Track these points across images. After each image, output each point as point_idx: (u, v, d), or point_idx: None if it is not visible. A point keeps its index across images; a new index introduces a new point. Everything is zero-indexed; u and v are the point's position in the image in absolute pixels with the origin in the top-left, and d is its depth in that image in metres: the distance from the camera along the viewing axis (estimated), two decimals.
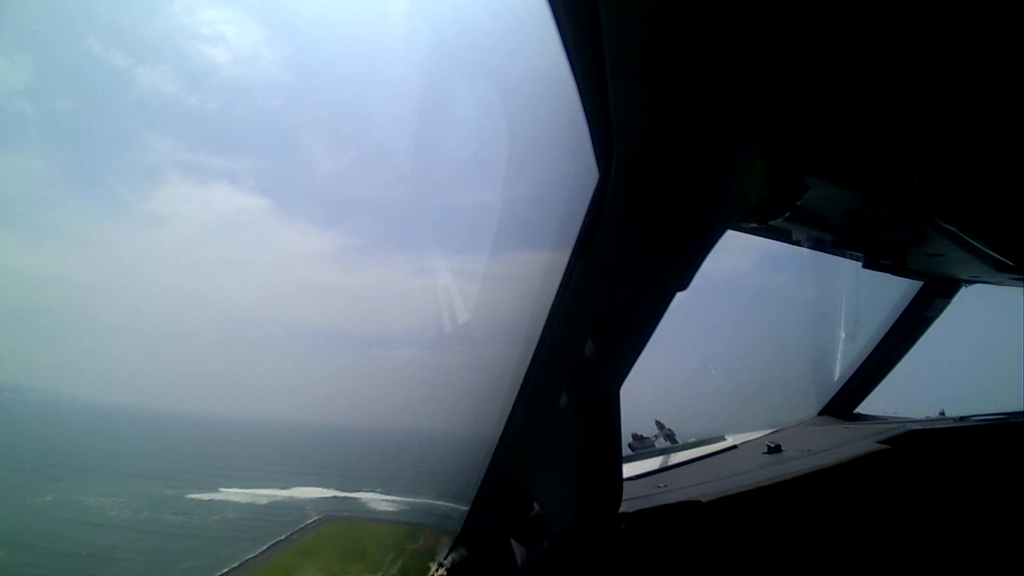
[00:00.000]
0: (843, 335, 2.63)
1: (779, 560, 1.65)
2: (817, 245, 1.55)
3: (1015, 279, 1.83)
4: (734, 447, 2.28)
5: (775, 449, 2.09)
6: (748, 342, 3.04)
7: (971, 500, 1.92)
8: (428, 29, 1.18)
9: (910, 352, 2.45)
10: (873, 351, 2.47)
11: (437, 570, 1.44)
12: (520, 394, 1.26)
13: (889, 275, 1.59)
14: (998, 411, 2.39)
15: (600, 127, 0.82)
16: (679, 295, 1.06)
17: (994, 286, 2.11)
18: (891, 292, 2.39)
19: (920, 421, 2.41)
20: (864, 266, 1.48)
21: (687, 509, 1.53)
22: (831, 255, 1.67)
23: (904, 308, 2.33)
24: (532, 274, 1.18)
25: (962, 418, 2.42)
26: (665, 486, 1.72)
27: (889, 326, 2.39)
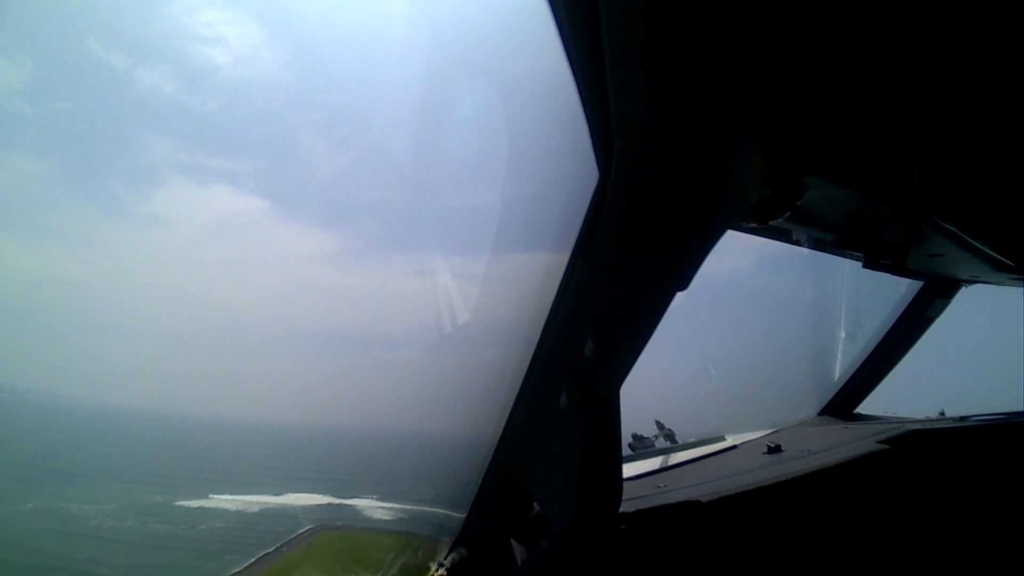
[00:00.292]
0: (843, 335, 2.63)
1: (779, 560, 1.65)
2: (817, 245, 1.55)
3: (1015, 279, 1.83)
4: (734, 447, 2.28)
5: (775, 449, 2.09)
6: (748, 342, 3.04)
7: (971, 500, 1.92)
8: (428, 29, 1.18)
9: (910, 352, 2.45)
10: (873, 351, 2.47)
11: (437, 570, 1.44)
12: (520, 394, 1.26)
13: (889, 275, 1.59)
14: (998, 411, 2.39)
15: (600, 127, 0.82)
16: (679, 295, 1.06)
17: (994, 286, 2.11)
18: (891, 292, 2.39)
19: (920, 421, 2.41)
20: (864, 266, 1.48)
21: (687, 509, 1.53)
22: (831, 255, 1.67)
23: (904, 308, 2.33)
24: (532, 274, 1.18)
25: (962, 418, 2.42)
26: (665, 486, 1.72)
27: (889, 326, 2.39)
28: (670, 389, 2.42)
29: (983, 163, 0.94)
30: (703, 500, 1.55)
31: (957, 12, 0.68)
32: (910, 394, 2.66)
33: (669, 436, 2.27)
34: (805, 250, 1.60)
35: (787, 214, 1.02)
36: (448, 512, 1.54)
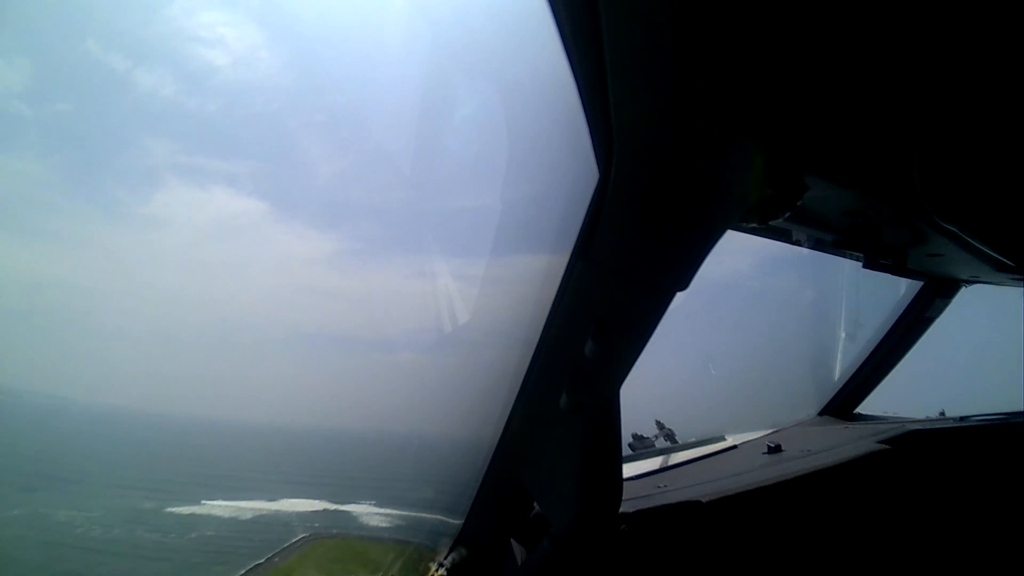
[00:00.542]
0: (843, 335, 2.63)
1: (779, 560, 1.65)
2: (817, 245, 1.55)
3: (1015, 279, 1.83)
4: (734, 447, 2.28)
5: (775, 449, 2.09)
6: (748, 342, 3.04)
7: (971, 500, 1.92)
8: (427, 30, 1.18)
9: (910, 352, 2.45)
10: (873, 351, 2.47)
11: (437, 570, 1.44)
12: (520, 394, 1.26)
13: (889, 275, 1.59)
14: (998, 411, 2.39)
15: (600, 127, 0.82)
16: (679, 295, 1.06)
17: (994, 286, 2.11)
18: (891, 292, 2.39)
19: (920, 421, 2.41)
20: (864, 266, 1.48)
21: (687, 509, 1.53)
22: (831, 255, 1.67)
23: (904, 308, 2.33)
24: (532, 274, 1.18)
25: (962, 418, 2.41)
26: (665, 486, 1.72)
27: (889, 326, 2.39)
28: (670, 389, 2.42)
29: (983, 163, 0.94)
30: (703, 500, 1.55)
31: (957, 12, 0.68)
32: (910, 394, 2.66)
33: (669, 436, 2.27)
34: (805, 250, 1.60)
35: (787, 214, 1.02)
36: (447, 518, 1.53)
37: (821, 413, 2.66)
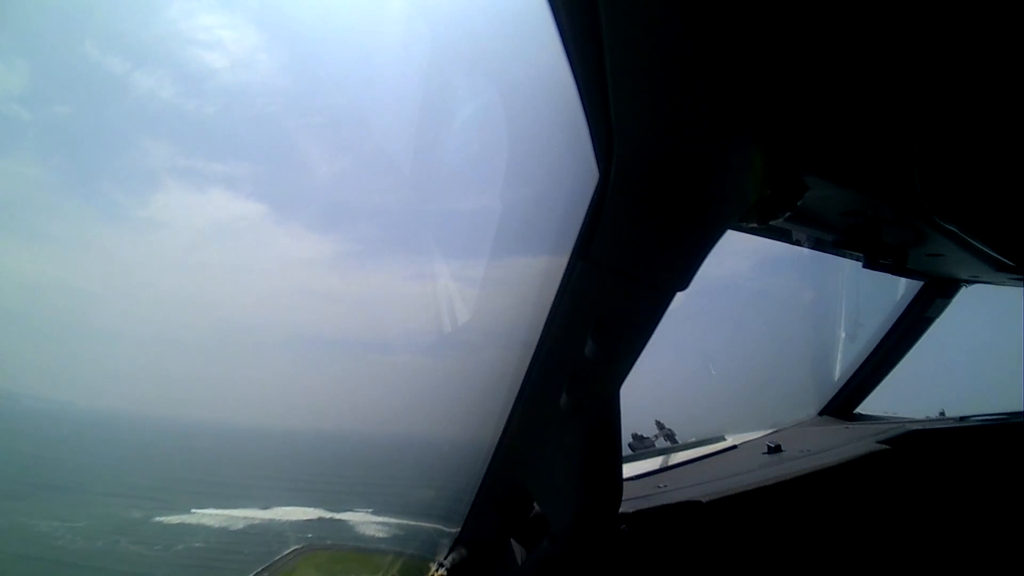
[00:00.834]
0: (843, 335, 2.63)
1: (779, 560, 1.65)
2: (817, 245, 1.55)
3: (1015, 279, 1.83)
4: (734, 447, 2.28)
5: (775, 449, 2.09)
6: (748, 342, 3.05)
7: (971, 500, 1.92)
8: (427, 30, 1.18)
9: (910, 352, 2.45)
10: (873, 351, 2.47)
11: (437, 570, 1.44)
12: (520, 395, 1.26)
13: (889, 275, 1.59)
14: (998, 411, 2.39)
15: (600, 127, 0.82)
16: (679, 295, 1.06)
17: (994, 286, 2.11)
18: (891, 292, 2.39)
19: (920, 421, 2.40)
20: (864, 266, 1.48)
21: (687, 509, 1.53)
22: (831, 255, 1.67)
23: (904, 308, 2.33)
24: (532, 275, 1.18)
25: (962, 418, 2.41)
26: (665, 486, 1.72)
27: (889, 326, 2.39)
28: (670, 389, 2.42)
29: (983, 163, 0.94)
30: (703, 500, 1.55)
31: (957, 12, 0.68)
32: (910, 394, 2.66)
33: (669, 436, 2.27)
34: (805, 250, 1.61)
35: (787, 214, 1.02)
36: (445, 527, 1.52)
37: (821, 413, 2.66)
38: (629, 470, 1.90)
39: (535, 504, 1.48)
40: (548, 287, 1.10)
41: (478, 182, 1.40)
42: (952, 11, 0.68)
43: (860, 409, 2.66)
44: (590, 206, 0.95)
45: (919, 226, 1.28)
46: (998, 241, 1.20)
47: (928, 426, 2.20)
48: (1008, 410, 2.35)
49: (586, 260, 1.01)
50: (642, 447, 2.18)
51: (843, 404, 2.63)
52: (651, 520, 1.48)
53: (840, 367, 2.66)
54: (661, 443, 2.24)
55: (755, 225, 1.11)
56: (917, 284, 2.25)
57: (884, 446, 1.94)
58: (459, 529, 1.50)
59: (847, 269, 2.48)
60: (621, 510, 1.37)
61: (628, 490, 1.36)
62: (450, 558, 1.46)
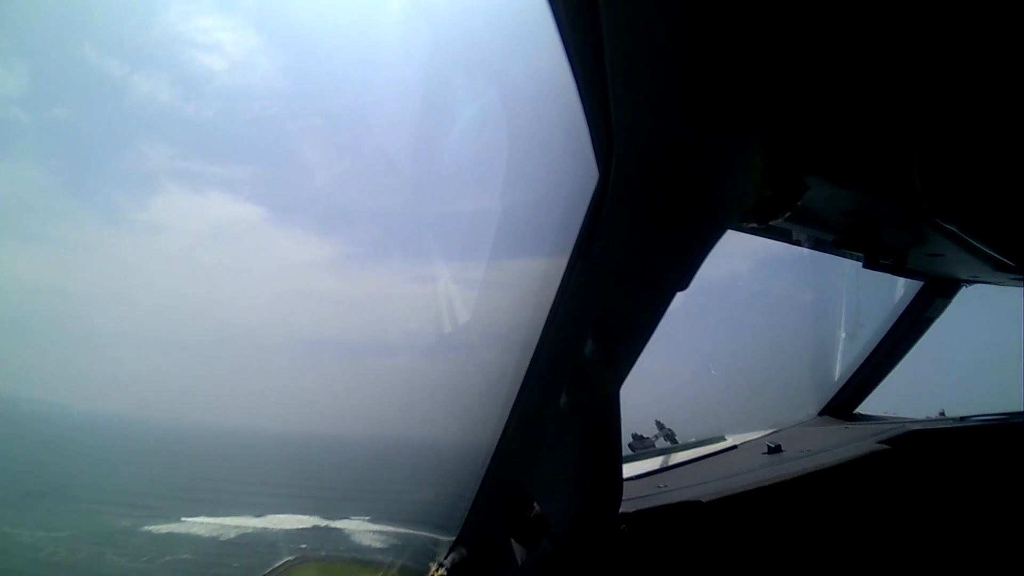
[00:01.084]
0: (843, 335, 2.63)
1: (779, 560, 1.65)
2: (817, 245, 1.55)
3: (1015, 279, 1.83)
4: (734, 447, 2.28)
5: (775, 449, 2.09)
6: (748, 342, 3.05)
7: (971, 500, 1.92)
8: (427, 31, 1.18)
9: (910, 352, 2.45)
10: (873, 351, 2.47)
11: (437, 570, 1.44)
12: (520, 395, 1.26)
13: (889, 275, 1.59)
14: (998, 411, 2.39)
15: (600, 127, 0.82)
16: (679, 295, 1.06)
17: (994, 286, 2.11)
18: (891, 292, 2.39)
19: (920, 421, 2.40)
20: (864, 266, 1.48)
21: (687, 509, 1.53)
22: (831, 255, 1.67)
23: (904, 308, 2.33)
24: (532, 275, 1.18)
25: (962, 418, 2.41)
26: (665, 486, 1.72)
27: (889, 326, 2.39)
28: (670, 389, 2.42)
29: (983, 163, 0.94)
30: (703, 500, 1.55)
31: (957, 12, 0.68)
32: (910, 394, 2.66)
33: (669, 436, 2.27)
34: (805, 250, 1.61)
35: (787, 214, 1.02)
36: (442, 536, 1.51)
37: (821, 413, 2.66)
38: (629, 470, 1.90)
39: (535, 504, 1.48)
40: (548, 288, 1.09)
41: (478, 183, 1.40)
42: (952, 11, 0.68)
43: (860, 409, 2.66)
44: (590, 206, 0.95)
45: (919, 226, 1.28)
46: (998, 241, 1.20)
47: (928, 426, 2.20)
48: (1008, 410, 2.35)
49: (586, 260, 1.01)
50: (642, 447, 2.18)
51: (843, 404, 2.63)
52: (651, 520, 1.48)
53: (840, 367, 2.66)
54: (661, 443, 2.24)
55: (755, 225, 1.11)
56: (917, 284, 2.25)
57: (884, 446, 1.94)
58: (458, 532, 1.50)
59: (847, 269, 2.48)
60: (621, 510, 1.37)
61: (628, 490, 1.36)
62: (450, 558, 1.46)
